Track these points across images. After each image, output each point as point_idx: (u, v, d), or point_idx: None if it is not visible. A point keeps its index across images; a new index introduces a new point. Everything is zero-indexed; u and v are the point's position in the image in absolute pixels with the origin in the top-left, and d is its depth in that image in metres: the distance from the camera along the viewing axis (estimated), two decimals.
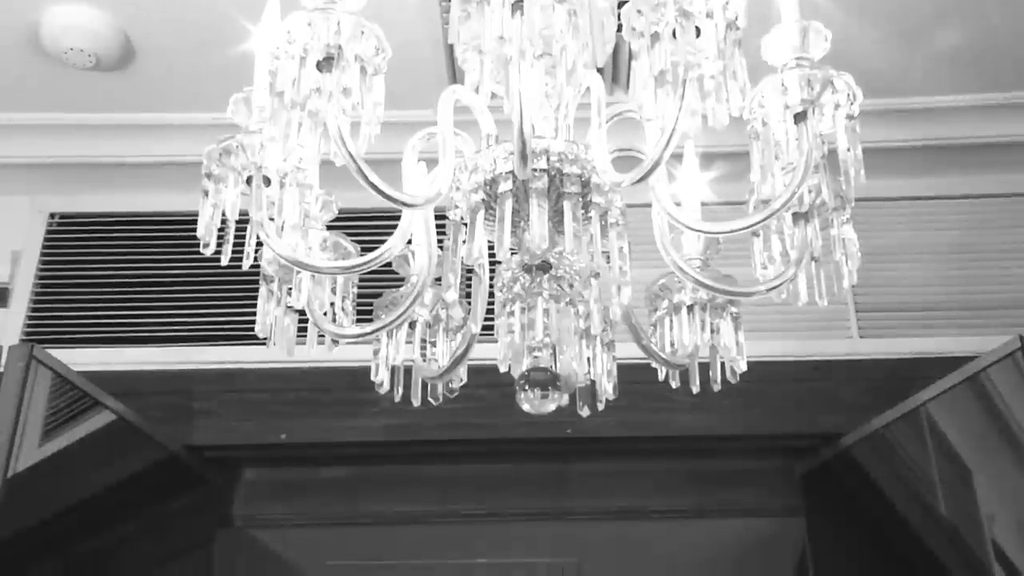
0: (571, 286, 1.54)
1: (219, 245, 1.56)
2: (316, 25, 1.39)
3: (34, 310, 3.64)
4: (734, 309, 1.77)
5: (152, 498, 3.34)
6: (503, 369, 1.55)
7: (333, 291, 1.72)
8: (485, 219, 1.55)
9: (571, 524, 3.60)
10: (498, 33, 1.47)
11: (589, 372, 1.69)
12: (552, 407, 1.54)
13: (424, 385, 1.79)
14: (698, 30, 1.37)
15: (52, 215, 3.80)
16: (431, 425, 3.41)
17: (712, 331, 1.77)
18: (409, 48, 3.30)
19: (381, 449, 3.50)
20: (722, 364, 1.79)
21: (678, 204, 1.63)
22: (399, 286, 1.77)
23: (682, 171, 1.73)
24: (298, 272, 1.64)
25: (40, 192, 3.81)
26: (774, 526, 3.58)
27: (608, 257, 1.58)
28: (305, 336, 1.73)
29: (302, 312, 1.71)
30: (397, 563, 3.91)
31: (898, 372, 3.45)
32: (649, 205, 1.61)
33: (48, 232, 3.77)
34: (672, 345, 1.78)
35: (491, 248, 1.55)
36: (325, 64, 1.39)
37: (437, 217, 1.63)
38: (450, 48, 3.21)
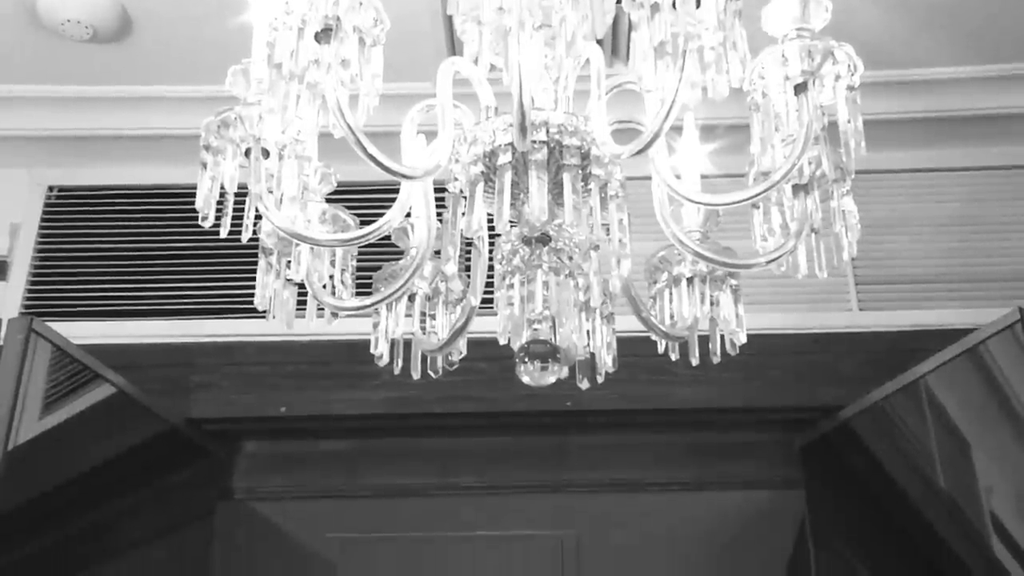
0: (570, 258, 1.54)
1: (218, 218, 1.56)
2: None
3: (33, 283, 3.64)
4: (734, 281, 1.77)
5: (152, 471, 3.34)
6: (503, 342, 1.55)
7: (332, 264, 1.71)
8: (484, 191, 1.55)
9: (570, 497, 3.61)
10: (497, 4, 1.47)
11: (588, 345, 1.69)
12: (552, 379, 1.54)
13: (424, 358, 1.79)
14: (698, 1, 1.36)
15: (50, 188, 3.79)
16: (431, 398, 3.42)
17: (712, 303, 1.76)
18: (408, 19, 3.28)
19: (381, 422, 3.50)
20: (721, 337, 1.78)
21: (678, 177, 1.62)
22: (398, 259, 1.77)
23: (682, 143, 1.73)
24: (297, 245, 1.64)
25: (38, 165, 3.80)
26: (773, 498, 3.60)
27: (608, 229, 1.57)
28: (304, 309, 1.73)
29: (301, 285, 1.70)
30: (396, 535, 3.93)
31: (898, 345, 3.46)
32: (649, 178, 1.61)
33: (47, 205, 3.76)
34: (672, 318, 1.78)
35: (490, 221, 1.54)
36: (323, 35, 1.38)
37: (436, 190, 1.62)
38: (449, 19, 3.19)
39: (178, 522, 3.44)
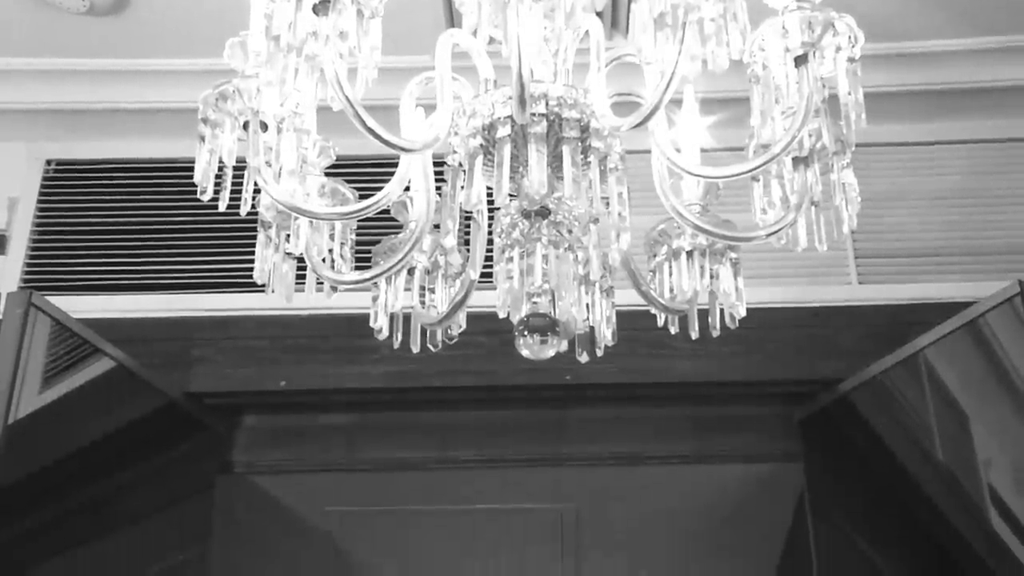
0: (570, 231, 1.54)
1: (216, 191, 1.55)
2: None
3: (32, 257, 3.64)
4: (733, 255, 1.77)
5: (152, 445, 3.35)
6: (502, 315, 1.54)
7: (331, 237, 1.71)
8: (484, 164, 1.54)
9: (570, 470, 3.62)
10: None
11: (588, 318, 1.69)
12: (551, 352, 1.54)
13: (423, 331, 1.79)
14: None
15: (48, 162, 3.78)
16: (430, 372, 3.42)
17: (711, 277, 1.76)
18: None
19: (380, 396, 3.50)
20: (721, 310, 1.78)
21: (678, 150, 1.62)
22: (398, 233, 1.77)
23: (682, 116, 1.72)
24: (296, 218, 1.63)
25: (36, 138, 3.79)
26: (772, 471, 3.60)
27: (607, 202, 1.57)
28: (303, 283, 1.73)
29: (301, 258, 1.70)
30: (396, 509, 3.93)
31: (897, 318, 3.46)
32: (648, 152, 1.60)
33: (45, 179, 3.76)
34: (671, 291, 1.77)
35: (490, 194, 1.54)
36: (321, 7, 1.38)
37: (435, 163, 1.62)
38: None
39: (178, 496, 3.44)
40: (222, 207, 1.55)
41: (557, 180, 1.52)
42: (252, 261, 1.71)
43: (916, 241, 3.66)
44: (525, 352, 1.54)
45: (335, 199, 1.70)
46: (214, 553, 3.55)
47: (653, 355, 3.39)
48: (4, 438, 2.72)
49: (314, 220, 1.64)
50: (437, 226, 1.63)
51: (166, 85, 3.64)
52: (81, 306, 3.33)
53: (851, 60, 1.46)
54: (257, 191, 1.58)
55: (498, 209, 1.56)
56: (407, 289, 1.76)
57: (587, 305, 1.69)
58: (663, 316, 1.78)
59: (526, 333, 1.52)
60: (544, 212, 1.53)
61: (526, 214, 1.54)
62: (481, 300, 1.67)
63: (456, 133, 1.57)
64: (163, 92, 3.65)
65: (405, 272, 1.74)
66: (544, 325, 1.51)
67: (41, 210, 3.71)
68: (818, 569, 3.35)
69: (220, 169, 1.55)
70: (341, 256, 1.72)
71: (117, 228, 3.69)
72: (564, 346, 1.58)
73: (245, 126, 1.53)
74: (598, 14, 1.63)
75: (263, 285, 1.70)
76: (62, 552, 3.04)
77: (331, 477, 3.62)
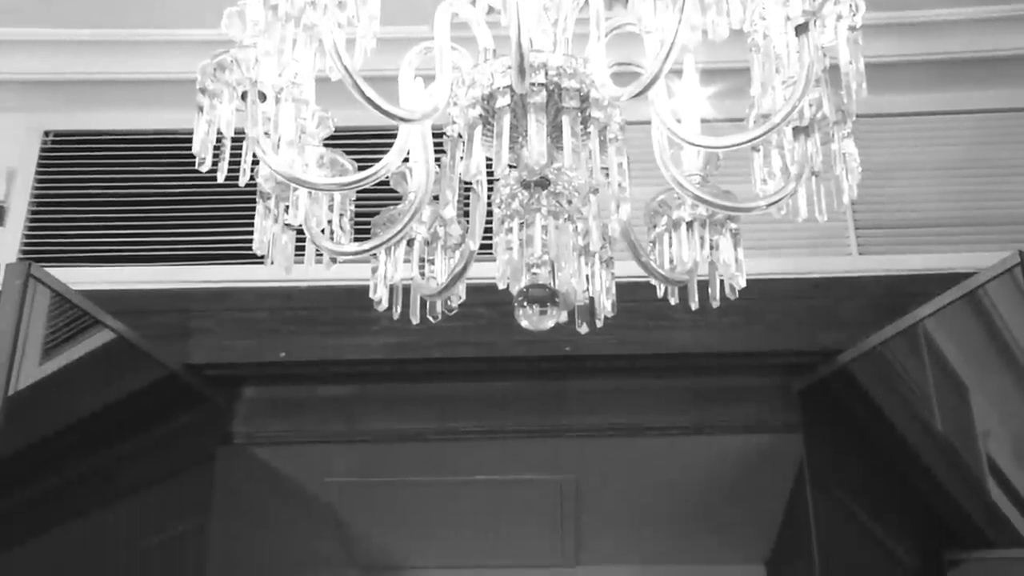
0: (570, 202, 1.53)
1: (215, 162, 1.55)
2: None
3: (31, 229, 3.63)
4: (733, 225, 1.76)
5: (152, 416, 3.35)
6: (501, 286, 1.54)
7: (330, 209, 1.71)
8: (483, 135, 1.54)
9: (569, 441, 3.62)
10: None
11: (588, 289, 1.69)
12: (550, 323, 1.54)
13: (423, 303, 1.79)
14: None
15: (47, 133, 3.78)
16: (430, 343, 3.42)
17: (711, 247, 1.75)
18: None
19: (380, 367, 3.51)
20: (721, 281, 1.78)
21: (678, 120, 1.61)
22: (397, 204, 1.76)
23: (682, 86, 1.71)
24: (295, 189, 1.63)
25: (33, 109, 3.77)
26: (772, 442, 3.61)
27: (607, 173, 1.56)
28: (303, 254, 1.73)
29: (300, 230, 1.70)
30: (395, 480, 3.95)
31: (897, 289, 3.45)
32: (648, 123, 1.60)
33: (43, 150, 3.75)
34: (671, 262, 1.77)
35: (489, 165, 1.53)
36: None
37: (435, 134, 1.61)
38: None
39: (178, 467, 3.45)
40: (220, 178, 1.54)
41: (557, 150, 1.52)
42: (251, 232, 1.70)
43: (917, 212, 3.65)
44: (524, 323, 1.54)
45: (334, 170, 1.70)
46: (214, 524, 3.56)
47: (653, 326, 3.40)
48: (4, 409, 2.72)
49: (313, 191, 1.64)
50: (436, 197, 1.62)
51: (165, 56, 3.63)
52: (80, 278, 3.33)
53: (852, 29, 1.45)
54: (256, 162, 1.57)
55: (498, 180, 1.55)
56: (406, 260, 1.75)
57: (587, 276, 1.69)
58: (663, 287, 1.78)
59: (525, 304, 1.52)
60: (544, 183, 1.52)
61: (525, 184, 1.53)
62: (481, 272, 1.67)
63: (455, 103, 1.57)
64: (161, 63, 3.64)
65: (404, 243, 1.74)
66: (543, 296, 1.51)
67: (40, 181, 3.70)
68: (817, 539, 3.36)
69: (218, 140, 1.55)
70: (340, 227, 1.71)
71: (116, 200, 3.68)
72: (563, 317, 1.58)
73: (243, 96, 1.53)
74: None
75: (262, 256, 1.70)
76: (62, 523, 3.05)
77: (331, 448, 3.63)
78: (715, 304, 1.78)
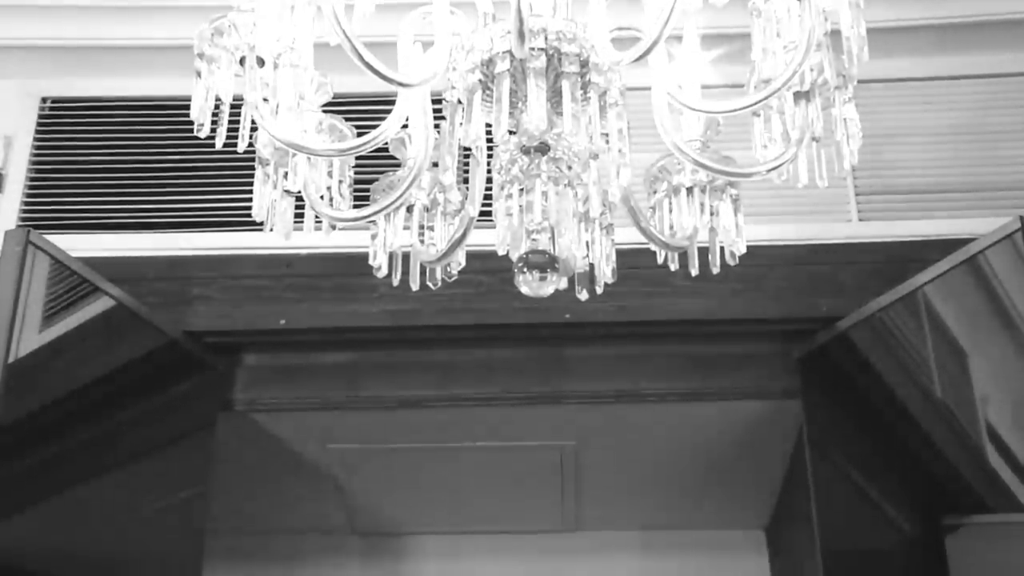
0: (569, 168, 1.53)
1: (213, 128, 1.54)
2: None
3: (29, 196, 3.62)
4: (733, 191, 1.76)
5: (153, 383, 3.36)
6: (501, 252, 1.54)
7: (330, 175, 1.70)
8: (482, 100, 1.53)
9: (569, 408, 3.63)
10: None
11: (588, 255, 1.69)
12: (550, 289, 1.54)
13: (423, 270, 1.79)
14: None
15: (44, 99, 3.76)
16: (430, 310, 3.42)
17: (711, 213, 1.75)
18: None
19: (380, 334, 3.51)
20: (721, 247, 1.78)
21: (678, 86, 1.60)
22: (397, 170, 1.76)
23: (682, 51, 1.70)
24: (294, 155, 1.62)
25: (31, 76, 3.76)
26: (771, 408, 3.61)
27: (607, 139, 1.56)
28: (302, 221, 1.72)
29: (300, 197, 1.69)
30: (396, 446, 3.96)
31: (897, 255, 3.45)
32: (648, 89, 1.59)
33: (40, 117, 3.73)
34: (671, 228, 1.77)
35: (489, 130, 1.53)
36: None
37: (434, 100, 1.61)
38: None
39: (179, 434, 3.46)
40: (219, 144, 1.54)
41: (556, 116, 1.51)
42: (251, 199, 1.70)
43: (917, 178, 3.64)
44: (524, 289, 1.54)
45: (333, 136, 1.69)
46: (215, 491, 3.57)
47: (652, 293, 3.40)
48: (4, 377, 2.72)
49: (312, 157, 1.63)
50: (436, 163, 1.62)
51: (163, 21, 3.61)
52: (79, 245, 3.33)
53: None
54: (255, 128, 1.57)
55: (497, 145, 1.55)
56: (406, 227, 1.75)
57: (587, 242, 1.68)
58: (663, 253, 1.78)
59: (525, 270, 1.52)
60: (543, 148, 1.52)
61: (525, 150, 1.53)
62: (480, 239, 1.67)
63: (454, 68, 1.56)
64: (160, 28, 3.62)
65: (404, 209, 1.74)
66: (543, 262, 1.51)
67: (37, 148, 3.69)
68: (816, 505, 3.38)
69: (217, 106, 1.54)
70: (340, 193, 1.71)
71: (115, 167, 3.67)
72: (563, 283, 1.58)
73: (241, 62, 1.52)
74: None
75: (262, 223, 1.70)
76: (63, 490, 3.06)
77: (331, 415, 3.64)
78: (715, 270, 1.78)
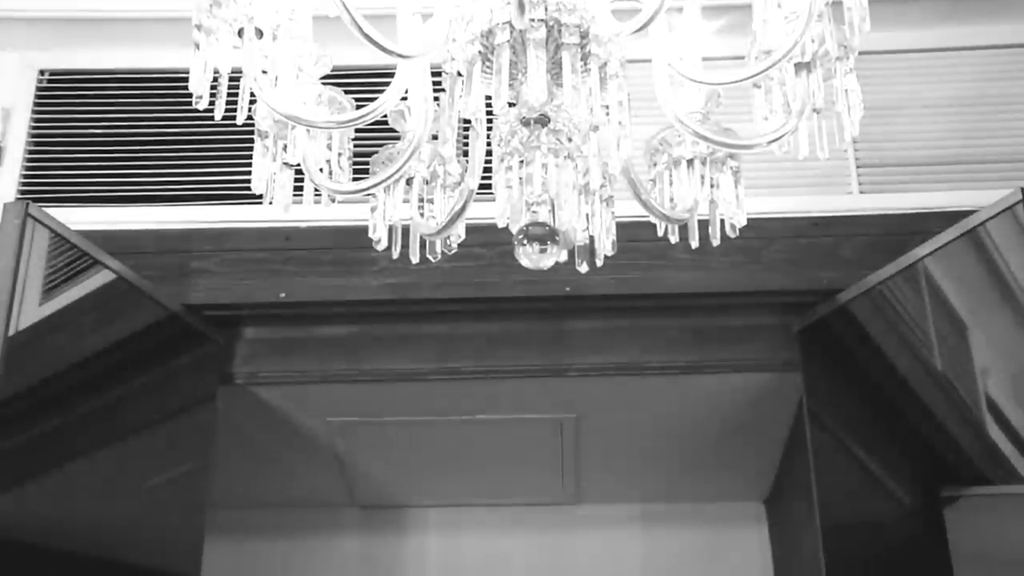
0: (570, 140, 1.52)
1: (212, 100, 1.54)
2: None
3: (28, 169, 3.61)
4: (734, 163, 1.75)
5: (153, 356, 3.36)
6: (501, 225, 1.53)
7: (329, 148, 1.70)
8: (482, 72, 1.52)
9: (570, 381, 3.63)
10: None
11: (588, 228, 1.68)
12: (550, 262, 1.53)
13: (422, 243, 1.78)
14: None
15: (42, 71, 3.75)
16: (430, 284, 3.42)
17: (712, 186, 1.75)
18: None
19: (380, 308, 3.51)
20: (721, 220, 1.77)
21: (679, 57, 1.59)
22: (396, 143, 1.75)
23: (683, 22, 1.69)
24: (293, 127, 1.62)
25: (28, 47, 3.74)
26: (771, 381, 3.62)
27: (607, 110, 1.55)
28: (302, 195, 1.72)
29: (299, 171, 1.69)
30: (397, 420, 3.96)
31: (898, 227, 3.45)
32: (649, 61, 1.58)
33: (39, 89, 3.72)
34: (671, 200, 1.77)
35: (489, 102, 1.52)
36: None
37: (434, 72, 1.60)
38: None
39: (180, 407, 3.46)
40: (218, 116, 1.54)
41: (556, 87, 1.51)
42: (250, 172, 1.69)
43: (919, 150, 3.63)
44: (524, 261, 1.53)
45: (332, 108, 1.69)
46: (216, 464, 3.58)
47: (652, 266, 3.40)
48: (4, 350, 2.72)
49: (311, 129, 1.63)
50: (436, 136, 1.62)
51: None
52: (79, 218, 3.33)
53: None
54: (253, 100, 1.56)
55: (497, 117, 1.54)
56: (405, 200, 1.75)
57: (587, 215, 1.68)
58: (663, 225, 1.77)
59: (525, 242, 1.51)
60: (543, 120, 1.51)
61: (525, 122, 1.52)
62: (480, 212, 1.66)
63: (454, 40, 1.55)
64: (158, 0, 3.61)
65: (403, 182, 1.73)
66: (543, 234, 1.50)
67: (36, 121, 3.68)
68: (816, 477, 3.38)
69: (216, 78, 1.54)
70: (339, 166, 1.71)
71: (114, 139, 3.67)
72: (563, 256, 1.58)
73: (240, 33, 1.51)
74: None
75: (261, 195, 1.69)
76: (63, 464, 3.06)
77: (332, 388, 3.64)
78: (715, 243, 1.77)
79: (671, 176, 1.76)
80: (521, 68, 1.51)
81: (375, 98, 1.57)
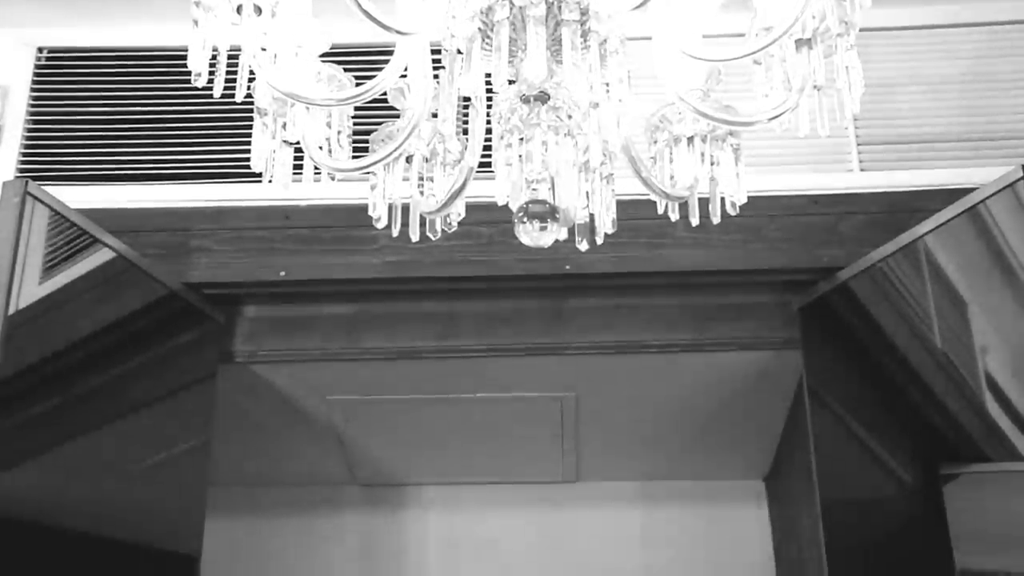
0: (570, 117, 1.51)
1: (211, 78, 1.53)
2: None
3: (27, 147, 3.61)
4: (734, 140, 1.75)
5: (153, 335, 3.36)
6: (501, 202, 1.53)
7: (328, 125, 1.69)
8: (482, 48, 1.52)
9: (570, 359, 3.63)
10: None
11: (588, 206, 1.68)
12: (550, 239, 1.53)
13: (422, 221, 1.78)
14: None
15: (40, 49, 3.74)
16: (430, 262, 3.42)
17: (712, 163, 1.74)
18: None
19: (380, 286, 3.51)
20: (722, 198, 1.77)
21: (680, 35, 1.59)
22: (396, 121, 1.74)
23: None
24: (292, 105, 1.62)
25: (25, 24, 3.73)
26: (771, 359, 3.62)
27: (608, 88, 1.55)
28: (301, 173, 1.72)
29: (299, 149, 1.69)
30: (396, 398, 3.97)
31: (899, 205, 3.45)
32: (649, 38, 1.58)
33: (37, 67, 3.71)
34: (672, 178, 1.76)
35: (488, 79, 1.52)
36: None
37: (433, 51, 1.59)
38: None
39: (180, 385, 3.47)
40: (217, 93, 1.53)
41: (556, 64, 1.50)
42: (250, 151, 1.69)
43: (920, 127, 3.62)
44: (524, 239, 1.53)
45: (332, 85, 1.68)
46: (216, 441, 3.59)
47: (653, 244, 3.39)
48: (4, 329, 2.72)
49: (311, 106, 1.63)
50: (436, 114, 1.61)
51: None
52: (78, 196, 3.32)
53: None
54: (253, 77, 1.56)
55: (497, 94, 1.54)
56: (405, 178, 1.74)
57: (587, 193, 1.67)
58: (663, 203, 1.77)
59: (525, 219, 1.51)
60: (543, 97, 1.51)
61: (525, 99, 1.51)
62: (480, 190, 1.66)
63: (453, 17, 1.54)
64: None
65: (403, 160, 1.73)
66: (543, 211, 1.50)
67: (35, 99, 3.67)
68: (815, 455, 3.39)
69: (215, 55, 1.53)
70: (339, 144, 1.70)
71: (113, 117, 3.66)
72: (563, 234, 1.57)
73: (239, 10, 1.51)
74: None
75: (260, 173, 1.69)
76: (63, 442, 3.06)
77: (332, 367, 3.65)
78: (716, 220, 1.77)
79: (671, 154, 1.76)
80: (521, 45, 1.50)
81: (375, 76, 1.57)
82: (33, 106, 3.66)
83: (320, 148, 1.67)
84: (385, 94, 1.63)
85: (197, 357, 3.50)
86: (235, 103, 1.58)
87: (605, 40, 1.52)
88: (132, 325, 3.27)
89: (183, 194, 3.55)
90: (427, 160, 1.76)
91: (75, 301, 3.10)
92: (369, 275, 3.46)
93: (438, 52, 1.56)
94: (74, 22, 3.73)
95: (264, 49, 1.50)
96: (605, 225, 1.71)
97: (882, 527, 3.35)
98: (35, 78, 3.69)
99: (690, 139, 1.74)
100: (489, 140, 1.57)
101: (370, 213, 1.74)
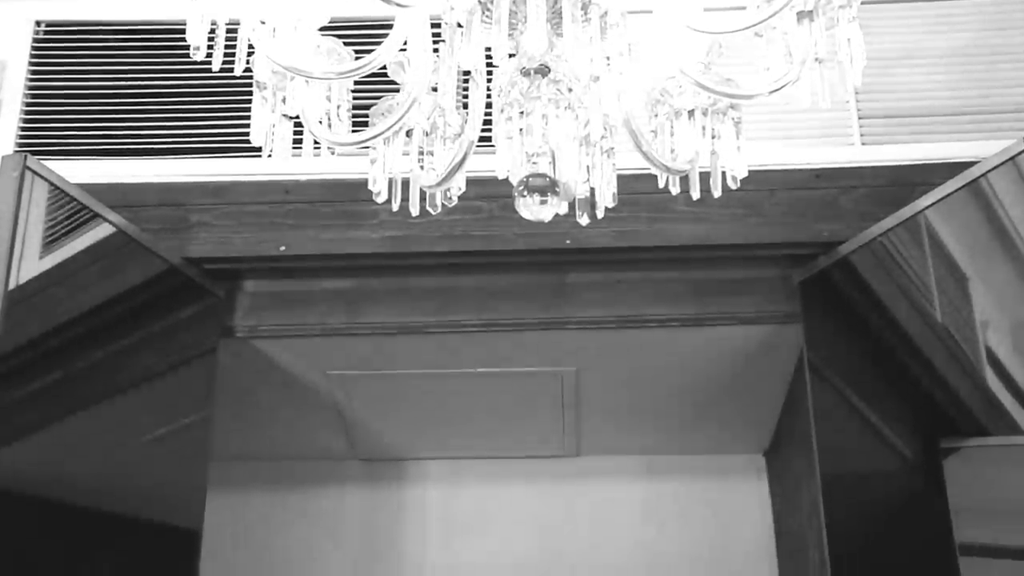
0: (570, 90, 1.51)
1: (210, 52, 1.53)
2: None
3: (26, 122, 3.60)
4: (735, 114, 1.74)
5: (153, 310, 3.36)
6: (502, 176, 1.53)
7: (328, 99, 1.69)
8: (482, 21, 1.51)
9: (570, 333, 3.63)
10: None
11: (588, 180, 1.68)
12: (551, 213, 1.53)
13: (423, 195, 1.78)
14: None
15: (38, 23, 3.72)
16: (430, 237, 3.42)
17: (713, 137, 1.74)
18: None
19: (380, 260, 3.51)
20: (722, 172, 1.76)
21: (681, 7, 1.58)
22: (396, 94, 1.74)
23: None
24: (292, 78, 1.61)
25: None
26: (772, 333, 3.62)
27: (608, 61, 1.54)
28: (301, 147, 1.71)
29: (299, 124, 1.68)
30: (396, 372, 3.97)
31: (900, 179, 3.44)
32: (651, 12, 1.57)
33: (35, 41, 3.70)
34: (672, 151, 1.75)
35: (489, 53, 1.51)
36: None
37: (433, 24, 1.59)
38: None
39: (181, 360, 3.47)
40: (216, 67, 1.52)
41: (556, 37, 1.50)
42: (249, 126, 1.68)
43: (921, 100, 3.61)
44: (525, 212, 1.53)
45: (331, 59, 1.67)
46: (217, 416, 3.59)
47: (653, 218, 3.39)
48: (5, 304, 2.72)
49: (310, 80, 1.62)
50: (435, 88, 1.60)
51: None
52: (77, 171, 3.32)
53: None
54: (252, 51, 1.55)
55: (497, 68, 1.53)
56: (405, 152, 1.74)
57: (587, 167, 1.67)
58: (664, 177, 1.77)
59: (526, 193, 1.51)
60: (543, 70, 1.50)
61: (525, 72, 1.51)
62: (481, 164, 1.66)
63: None
64: None
65: (403, 134, 1.72)
66: (544, 185, 1.50)
67: (33, 73, 3.66)
68: (816, 429, 3.39)
69: (214, 29, 1.53)
70: (338, 118, 1.70)
71: (112, 92, 3.65)
72: (564, 208, 1.57)
73: None
74: None
75: (260, 148, 1.69)
76: (64, 417, 3.07)
77: (332, 341, 3.64)
78: (716, 194, 1.77)
79: (672, 127, 1.75)
80: (521, 18, 1.50)
81: (374, 50, 1.56)
82: (32, 80, 3.64)
83: (320, 122, 1.67)
84: (385, 67, 1.63)
85: (197, 332, 3.50)
86: (235, 77, 1.58)
87: (606, 12, 1.52)
88: (132, 300, 3.27)
89: (183, 169, 3.54)
90: (427, 134, 1.76)
91: (75, 276, 3.10)
92: (369, 250, 3.45)
93: (438, 25, 1.55)
94: None
95: (263, 22, 1.49)
96: (606, 199, 1.71)
97: (882, 501, 3.36)
98: (33, 52, 3.67)
99: (691, 112, 1.73)
100: (489, 114, 1.57)
101: (370, 187, 1.74)
